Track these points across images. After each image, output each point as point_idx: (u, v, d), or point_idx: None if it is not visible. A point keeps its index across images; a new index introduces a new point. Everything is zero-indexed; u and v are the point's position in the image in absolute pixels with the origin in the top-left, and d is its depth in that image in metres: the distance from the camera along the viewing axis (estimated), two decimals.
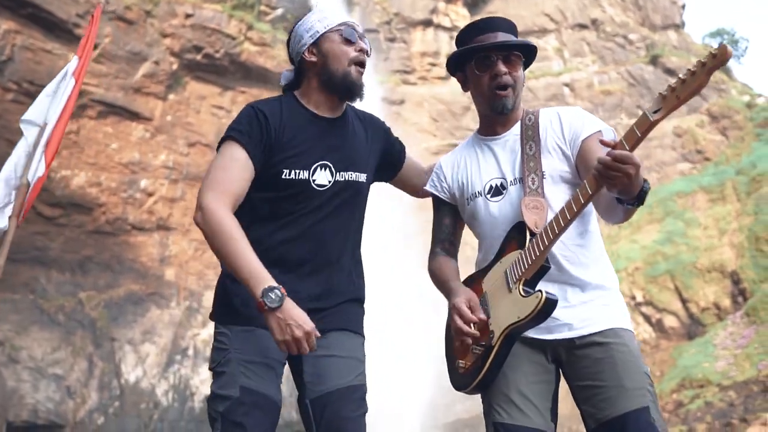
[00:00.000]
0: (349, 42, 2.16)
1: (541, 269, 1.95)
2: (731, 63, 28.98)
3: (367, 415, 2.04)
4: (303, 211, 2.09)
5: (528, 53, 2.27)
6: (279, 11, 20.33)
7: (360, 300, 2.24)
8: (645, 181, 1.78)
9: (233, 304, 2.04)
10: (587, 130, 2.13)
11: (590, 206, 2.07)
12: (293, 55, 2.24)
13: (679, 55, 23.73)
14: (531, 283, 1.95)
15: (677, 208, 18.95)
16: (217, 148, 2.12)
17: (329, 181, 2.11)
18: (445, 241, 2.34)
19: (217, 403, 1.93)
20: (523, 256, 1.96)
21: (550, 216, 1.97)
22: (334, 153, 2.15)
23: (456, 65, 2.30)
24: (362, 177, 2.21)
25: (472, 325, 2.01)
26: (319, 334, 1.83)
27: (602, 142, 1.79)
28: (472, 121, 21.36)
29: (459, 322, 2.03)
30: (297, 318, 1.79)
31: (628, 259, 18.16)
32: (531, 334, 2.02)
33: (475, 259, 2.27)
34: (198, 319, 17.02)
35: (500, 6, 24.02)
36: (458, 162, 2.34)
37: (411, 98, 21.57)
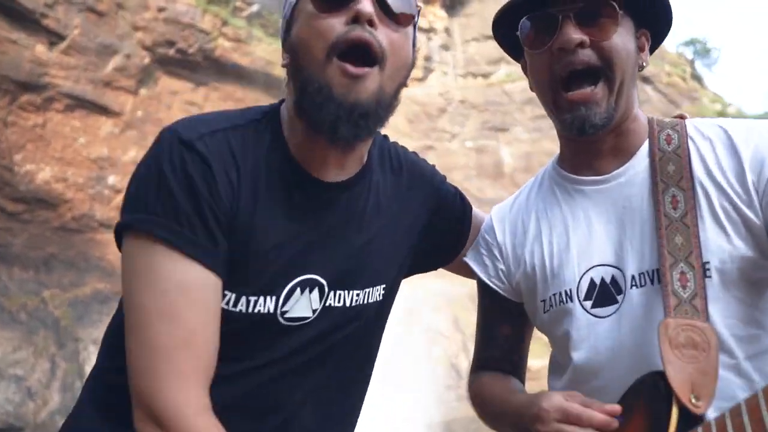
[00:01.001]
0: (329, 7, 1.10)
1: None
2: (704, 71, 29.43)
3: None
4: (256, 362, 1.13)
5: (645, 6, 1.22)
6: (255, 7, 20.05)
7: None
8: None
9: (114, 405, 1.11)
10: None
11: None
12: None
13: (654, 64, 23.99)
14: None
15: None
16: (116, 233, 1.10)
17: (314, 311, 1.15)
18: (501, 361, 1.37)
19: None
20: None
21: (729, 375, 1.00)
22: (332, 257, 1.16)
23: (513, 43, 1.32)
24: (377, 292, 1.24)
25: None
26: None
27: None
28: (447, 123, 21.33)
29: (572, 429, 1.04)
30: None
31: None
32: None
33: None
34: None
35: (478, 8, 24.02)
36: (524, 222, 1.32)
37: None
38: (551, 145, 22.55)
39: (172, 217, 0.99)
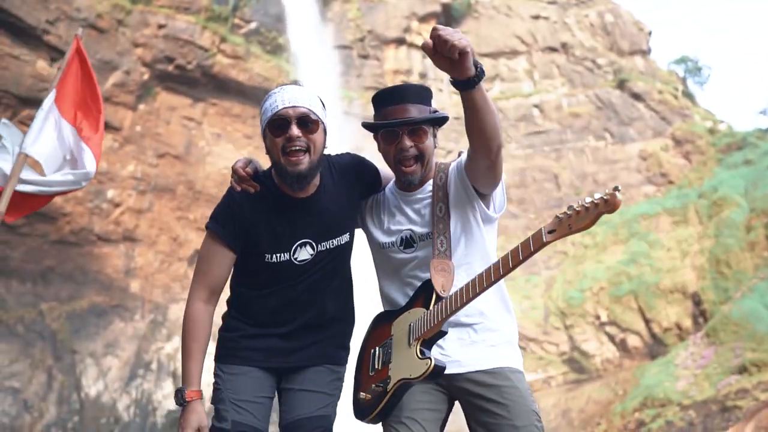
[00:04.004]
0: (278, 131, 2.20)
1: (438, 333, 2.10)
2: (695, 89, 29.79)
3: None
4: (287, 284, 2.31)
5: (437, 119, 2.36)
6: (253, 25, 20.32)
7: (344, 332, 2.47)
8: (478, 64, 1.89)
9: (227, 346, 2.38)
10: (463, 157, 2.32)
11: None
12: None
13: (645, 81, 24.34)
14: (428, 343, 2.12)
15: (641, 230, 19.34)
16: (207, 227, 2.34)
17: (311, 255, 2.31)
18: None
19: None
20: (426, 317, 2.12)
21: (459, 280, 2.13)
22: (312, 229, 2.30)
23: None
24: (344, 238, 2.37)
25: None
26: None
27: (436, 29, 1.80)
28: (442, 139, 21.47)
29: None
30: (185, 422, 2.15)
31: (593, 279, 18.43)
32: None
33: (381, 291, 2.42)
34: (162, 333, 16.73)
35: (473, 26, 24.39)
36: (385, 202, 2.50)
37: None
38: (544, 161, 22.78)
39: (218, 223, 2.35)
